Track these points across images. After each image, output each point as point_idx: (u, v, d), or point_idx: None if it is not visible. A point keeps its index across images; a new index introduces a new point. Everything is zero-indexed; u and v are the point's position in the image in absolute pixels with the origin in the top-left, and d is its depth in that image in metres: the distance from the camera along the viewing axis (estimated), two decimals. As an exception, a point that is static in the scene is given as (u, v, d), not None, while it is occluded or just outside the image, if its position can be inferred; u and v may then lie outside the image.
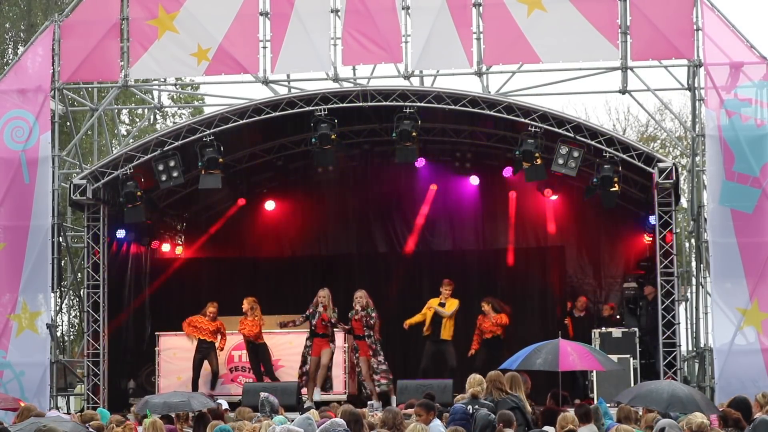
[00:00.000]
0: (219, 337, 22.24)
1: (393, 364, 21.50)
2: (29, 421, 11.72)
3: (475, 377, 14.05)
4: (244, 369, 22.53)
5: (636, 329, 21.41)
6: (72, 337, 35.10)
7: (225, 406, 17.25)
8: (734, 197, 20.14)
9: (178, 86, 25.71)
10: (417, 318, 21.93)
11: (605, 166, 20.77)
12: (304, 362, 21.09)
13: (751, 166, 20.10)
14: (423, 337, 21.96)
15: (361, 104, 21.24)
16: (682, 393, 13.59)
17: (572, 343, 16.19)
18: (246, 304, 21.88)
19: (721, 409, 12.49)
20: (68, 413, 19.30)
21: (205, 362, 22.18)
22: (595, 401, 17.60)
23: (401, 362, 22.99)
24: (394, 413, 12.21)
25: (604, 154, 20.60)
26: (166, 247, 26.18)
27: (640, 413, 14.41)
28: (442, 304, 21.80)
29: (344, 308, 20.98)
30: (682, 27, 20.56)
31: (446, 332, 21.74)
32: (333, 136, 21.25)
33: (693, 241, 23.62)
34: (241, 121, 21.35)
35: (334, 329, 21.14)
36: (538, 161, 21.20)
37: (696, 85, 21.03)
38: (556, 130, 20.57)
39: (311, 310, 20.97)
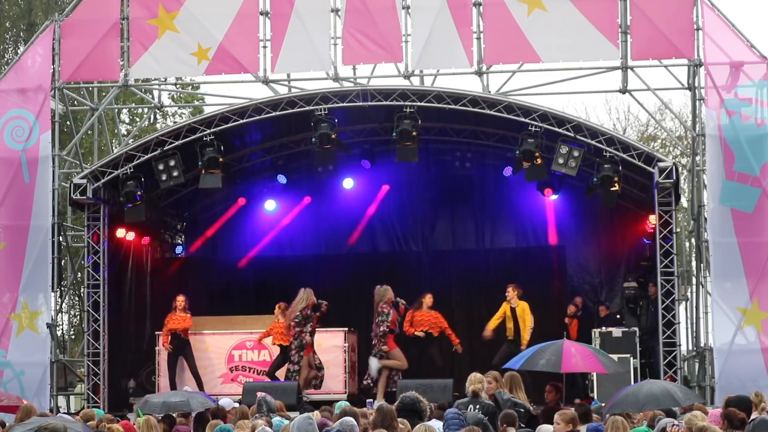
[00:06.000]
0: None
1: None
2: (33, 420, 11.66)
3: (475, 375, 14.01)
4: (244, 369, 22.50)
5: (636, 329, 21.38)
6: (72, 336, 35.07)
7: (232, 405, 17.08)
8: (734, 197, 20.15)
9: (178, 86, 25.70)
10: (495, 321, 21.48)
11: (605, 166, 20.78)
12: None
13: (751, 166, 20.10)
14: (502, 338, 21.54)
15: (361, 104, 21.24)
16: (657, 389, 13.58)
17: (576, 345, 16.14)
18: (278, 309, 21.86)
19: (724, 410, 12.47)
20: (68, 413, 19.25)
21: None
22: (595, 400, 17.62)
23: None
24: (384, 414, 11.97)
25: (604, 153, 20.61)
26: (165, 247, 26.16)
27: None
28: (513, 309, 21.32)
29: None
30: (683, 26, 20.57)
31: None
32: (333, 136, 21.25)
33: (693, 240, 23.62)
34: (241, 121, 21.35)
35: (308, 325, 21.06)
36: (538, 161, 21.20)
37: (696, 84, 21.04)
38: (556, 129, 20.58)
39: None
